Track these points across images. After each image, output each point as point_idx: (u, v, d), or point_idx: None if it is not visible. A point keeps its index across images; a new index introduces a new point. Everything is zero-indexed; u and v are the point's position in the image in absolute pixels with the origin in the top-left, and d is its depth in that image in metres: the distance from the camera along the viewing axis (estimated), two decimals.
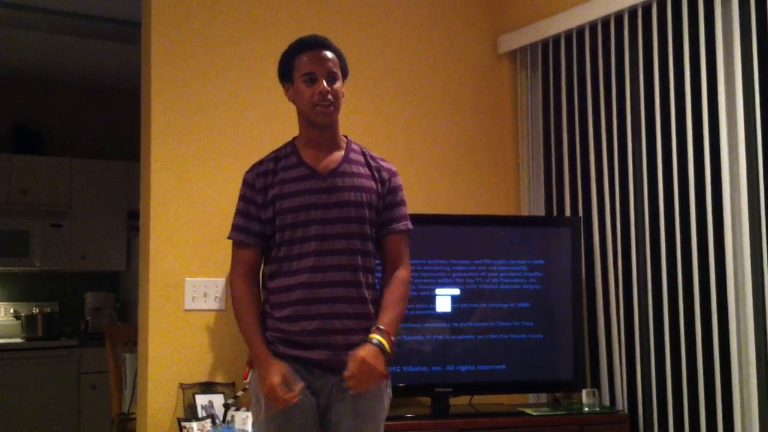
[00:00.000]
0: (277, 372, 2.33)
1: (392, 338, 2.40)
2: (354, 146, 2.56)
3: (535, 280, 3.47)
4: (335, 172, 2.47)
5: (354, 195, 2.45)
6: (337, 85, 2.46)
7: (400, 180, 2.58)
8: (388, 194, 2.53)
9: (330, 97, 2.43)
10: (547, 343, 3.46)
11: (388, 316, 2.43)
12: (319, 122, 2.46)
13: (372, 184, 2.50)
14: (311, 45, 2.48)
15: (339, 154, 2.51)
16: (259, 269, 2.54)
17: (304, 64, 2.45)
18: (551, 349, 3.47)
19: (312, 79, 2.44)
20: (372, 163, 2.54)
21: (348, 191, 2.45)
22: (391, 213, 2.54)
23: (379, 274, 2.55)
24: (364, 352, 2.33)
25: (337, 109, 2.47)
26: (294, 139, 2.57)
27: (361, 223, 2.45)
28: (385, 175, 2.54)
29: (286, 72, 2.51)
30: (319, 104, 2.43)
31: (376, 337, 2.36)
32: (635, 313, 3.38)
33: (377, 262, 2.55)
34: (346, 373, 2.30)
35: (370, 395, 2.41)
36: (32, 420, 5.43)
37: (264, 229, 2.48)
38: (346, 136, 2.57)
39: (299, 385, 2.33)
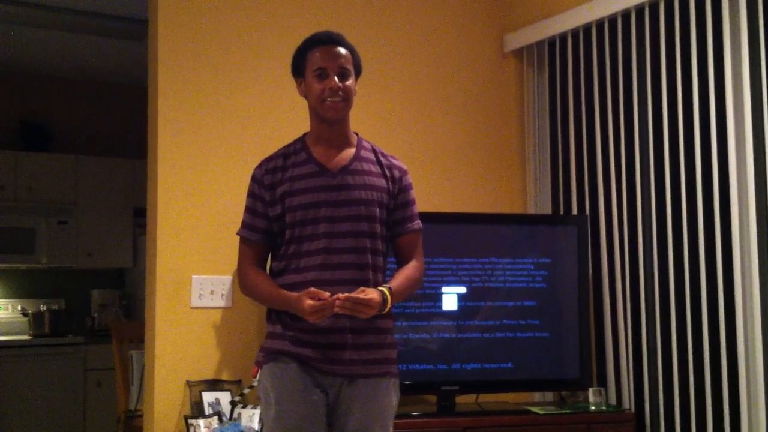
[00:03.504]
0: (305, 299, 2.30)
1: (393, 302, 2.39)
2: (365, 144, 2.55)
3: (542, 279, 3.46)
4: (346, 170, 2.46)
5: (364, 193, 2.45)
6: (349, 81, 2.46)
7: (410, 178, 2.58)
8: (400, 193, 2.53)
9: (341, 93, 2.43)
10: (554, 342, 3.46)
11: (396, 282, 2.43)
12: (329, 117, 2.45)
13: (383, 182, 2.49)
14: (324, 40, 2.47)
15: (350, 152, 2.50)
16: (266, 265, 2.55)
17: (316, 60, 2.45)
18: (557, 347, 3.47)
19: (323, 75, 2.43)
20: (383, 161, 2.53)
21: (358, 189, 2.45)
22: (403, 212, 2.54)
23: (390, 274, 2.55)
24: (370, 290, 2.33)
25: (348, 105, 2.46)
26: (304, 135, 2.56)
27: (371, 222, 2.44)
28: (397, 173, 2.53)
29: (298, 67, 2.50)
30: (330, 99, 2.42)
31: (385, 290, 2.36)
32: (642, 311, 3.38)
33: (390, 260, 2.55)
34: (344, 296, 2.28)
35: (379, 394, 2.42)
36: (38, 416, 5.45)
37: (270, 226, 2.48)
38: (356, 134, 2.57)
39: (325, 294, 2.30)
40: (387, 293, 2.36)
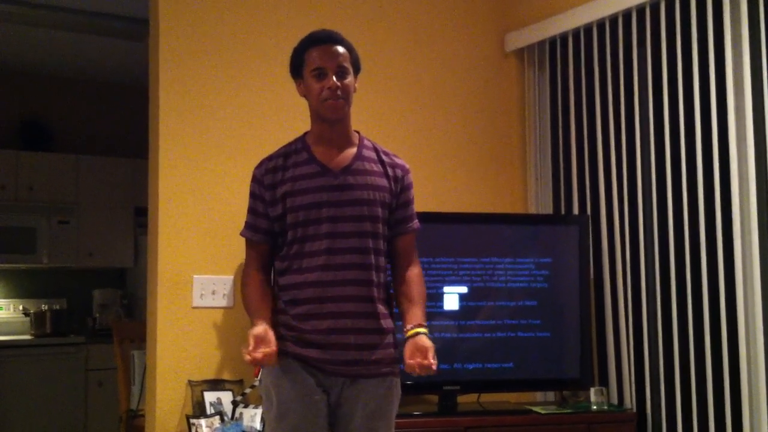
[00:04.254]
0: (259, 327, 2.30)
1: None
2: (366, 143, 2.54)
3: (543, 278, 3.46)
4: (348, 170, 2.45)
5: (367, 193, 2.44)
6: (348, 79, 2.43)
7: (411, 177, 2.57)
8: (401, 192, 2.52)
9: (339, 92, 2.41)
10: (555, 341, 3.46)
11: (420, 312, 2.44)
12: (329, 117, 2.44)
13: (385, 182, 2.48)
14: (322, 39, 2.45)
15: (351, 151, 2.49)
16: (271, 264, 2.54)
17: (314, 59, 2.43)
18: (559, 347, 3.47)
19: (322, 74, 2.41)
20: (385, 159, 2.52)
21: (361, 189, 2.44)
22: (404, 212, 2.53)
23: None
24: (422, 341, 2.33)
25: (348, 103, 2.45)
26: (305, 134, 2.54)
27: (373, 222, 2.44)
28: (399, 172, 2.52)
29: (296, 67, 2.49)
30: (329, 99, 2.41)
31: (419, 330, 2.37)
32: (643, 310, 3.38)
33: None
34: (416, 362, 2.29)
35: (381, 393, 2.41)
36: (40, 416, 5.45)
37: (272, 226, 2.47)
38: (358, 132, 2.55)
39: (271, 347, 2.27)
40: (427, 331, 2.38)
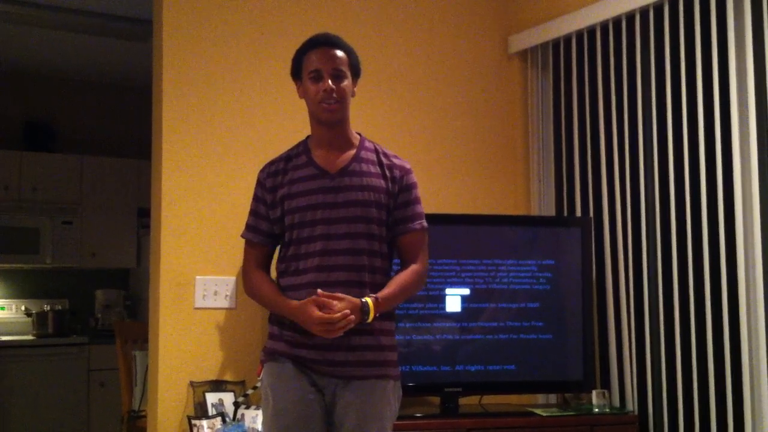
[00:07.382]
0: (312, 308, 2.31)
1: (378, 311, 2.37)
2: (367, 144, 2.55)
3: (545, 281, 3.46)
4: (344, 171, 2.47)
5: (361, 194, 2.45)
6: (345, 83, 2.45)
7: (414, 178, 2.56)
8: (401, 193, 2.52)
9: (335, 95, 2.43)
10: (557, 344, 3.46)
11: (387, 291, 2.41)
12: (324, 119, 2.46)
13: (382, 183, 2.49)
14: (320, 43, 2.48)
15: (350, 153, 2.50)
16: (269, 267, 2.56)
17: (311, 62, 2.46)
18: (561, 349, 3.47)
19: (318, 77, 2.44)
20: (384, 161, 2.52)
21: (356, 190, 2.45)
22: (404, 212, 2.52)
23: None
24: (351, 303, 2.31)
25: (342, 106, 2.46)
26: (307, 138, 2.57)
27: (367, 223, 2.44)
28: (398, 173, 2.52)
29: (296, 69, 2.52)
30: (323, 102, 2.43)
31: (368, 300, 2.35)
32: (645, 313, 3.37)
33: (396, 261, 2.55)
34: (326, 303, 2.30)
35: (375, 396, 2.41)
36: (42, 417, 5.45)
37: (272, 228, 2.50)
38: (360, 134, 2.57)
39: (335, 305, 2.30)
40: (371, 309, 2.34)
